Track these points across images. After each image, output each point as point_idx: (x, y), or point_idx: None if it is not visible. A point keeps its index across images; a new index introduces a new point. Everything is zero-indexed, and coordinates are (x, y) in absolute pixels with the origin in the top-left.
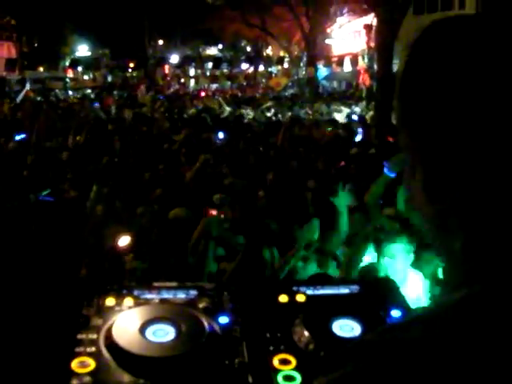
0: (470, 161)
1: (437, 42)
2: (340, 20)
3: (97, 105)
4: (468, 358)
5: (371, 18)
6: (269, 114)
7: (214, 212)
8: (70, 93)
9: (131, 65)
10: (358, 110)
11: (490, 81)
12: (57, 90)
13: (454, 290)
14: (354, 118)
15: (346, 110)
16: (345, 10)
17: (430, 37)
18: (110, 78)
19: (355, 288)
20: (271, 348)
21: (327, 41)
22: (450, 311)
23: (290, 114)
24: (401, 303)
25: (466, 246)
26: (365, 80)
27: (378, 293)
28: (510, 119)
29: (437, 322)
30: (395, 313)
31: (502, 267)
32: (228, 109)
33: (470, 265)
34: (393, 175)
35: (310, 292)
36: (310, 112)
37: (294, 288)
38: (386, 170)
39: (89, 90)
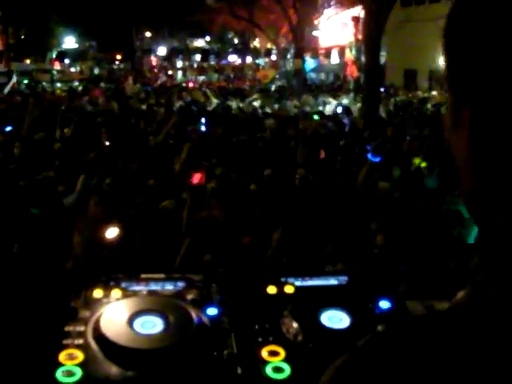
0: None
1: None
2: (327, 12)
3: (84, 97)
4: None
5: (359, 10)
6: (256, 105)
7: (198, 176)
8: (59, 85)
9: (118, 57)
10: (345, 101)
11: None
12: (44, 83)
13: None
14: (339, 110)
15: (334, 102)
16: (332, 2)
17: None
18: (96, 71)
19: (344, 279)
20: (260, 339)
21: (314, 33)
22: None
23: (277, 106)
24: (389, 294)
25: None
26: (352, 72)
27: (366, 283)
28: None
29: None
30: (384, 304)
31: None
32: (215, 101)
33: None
34: (377, 160)
35: (298, 283)
36: (297, 104)
37: (283, 279)
38: (369, 155)
39: (76, 83)
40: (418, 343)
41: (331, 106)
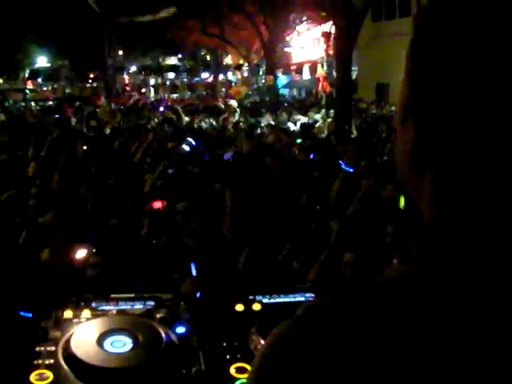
0: (463, 132)
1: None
2: (299, 28)
3: (57, 116)
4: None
5: (330, 26)
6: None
7: (157, 204)
8: (33, 104)
9: (91, 75)
10: (318, 116)
11: (493, 53)
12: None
13: (405, 262)
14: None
15: (305, 118)
16: (304, 18)
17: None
18: (68, 90)
19: (310, 296)
20: (228, 356)
21: (286, 49)
22: (391, 283)
23: (252, 121)
24: None
25: (435, 221)
26: (325, 87)
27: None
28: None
29: (374, 293)
30: None
31: (455, 251)
32: (186, 118)
33: (429, 241)
34: (351, 170)
35: (265, 300)
36: (271, 121)
37: (250, 297)
38: (343, 165)
39: (50, 102)
40: (360, 314)
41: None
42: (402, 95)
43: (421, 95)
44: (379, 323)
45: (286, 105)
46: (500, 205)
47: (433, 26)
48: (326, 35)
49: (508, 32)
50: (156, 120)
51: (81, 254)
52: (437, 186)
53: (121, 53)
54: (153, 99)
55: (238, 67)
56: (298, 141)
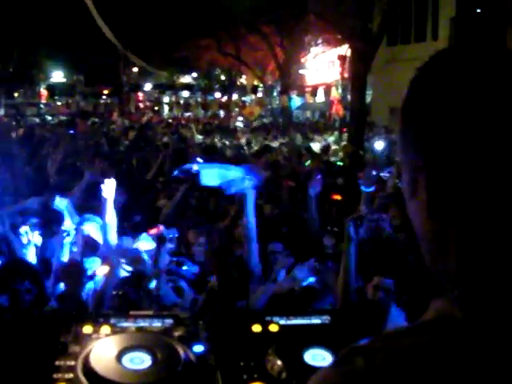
0: (474, 180)
1: (441, 71)
2: (314, 50)
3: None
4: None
5: (345, 49)
6: (242, 142)
7: (155, 230)
8: (49, 118)
9: (105, 91)
10: (331, 139)
11: (486, 106)
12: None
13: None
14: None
15: (319, 140)
16: (319, 41)
17: (434, 67)
18: (83, 105)
19: (326, 318)
20: (245, 376)
21: (301, 71)
22: (429, 327)
23: (265, 143)
24: (371, 332)
25: (459, 270)
26: (338, 110)
27: (348, 323)
28: (508, 140)
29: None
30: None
31: (486, 296)
32: (200, 137)
33: (459, 288)
34: (371, 189)
35: (282, 322)
36: (283, 142)
37: (267, 318)
38: (362, 187)
39: (63, 117)
40: (404, 357)
41: (316, 145)
42: (406, 165)
43: (431, 158)
44: (424, 369)
45: (300, 126)
46: None
47: (428, 89)
48: (342, 58)
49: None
50: (167, 139)
51: (102, 270)
52: (458, 237)
53: (135, 69)
54: (166, 117)
55: (254, 90)
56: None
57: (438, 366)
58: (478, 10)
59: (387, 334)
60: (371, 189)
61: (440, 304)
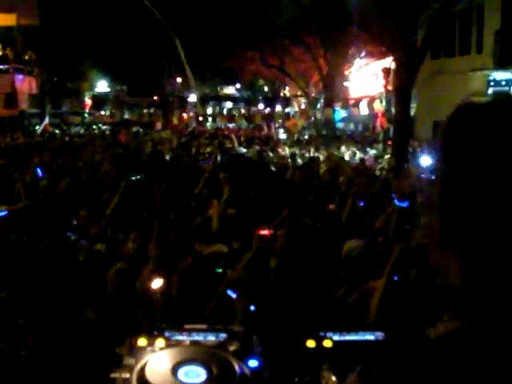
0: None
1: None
2: (358, 62)
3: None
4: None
5: (389, 62)
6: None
7: (264, 232)
8: (94, 126)
9: (150, 102)
10: (374, 152)
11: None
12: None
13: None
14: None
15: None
16: (363, 53)
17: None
18: (126, 115)
19: (380, 335)
20: None
21: (345, 83)
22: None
23: (308, 155)
24: None
25: (465, 287)
26: (382, 123)
27: (401, 340)
28: None
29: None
30: None
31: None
32: (241, 149)
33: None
34: (405, 204)
35: (336, 338)
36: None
37: (321, 333)
38: (396, 201)
39: (105, 126)
40: (418, 369)
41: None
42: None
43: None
44: (437, 378)
45: (345, 138)
46: None
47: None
48: (386, 71)
49: None
50: (209, 149)
51: (157, 283)
52: (464, 261)
53: (179, 80)
54: (209, 128)
55: (288, 101)
56: None
57: (444, 376)
58: None
59: (400, 350)
60: (404, 204)
61: (448, 322)
